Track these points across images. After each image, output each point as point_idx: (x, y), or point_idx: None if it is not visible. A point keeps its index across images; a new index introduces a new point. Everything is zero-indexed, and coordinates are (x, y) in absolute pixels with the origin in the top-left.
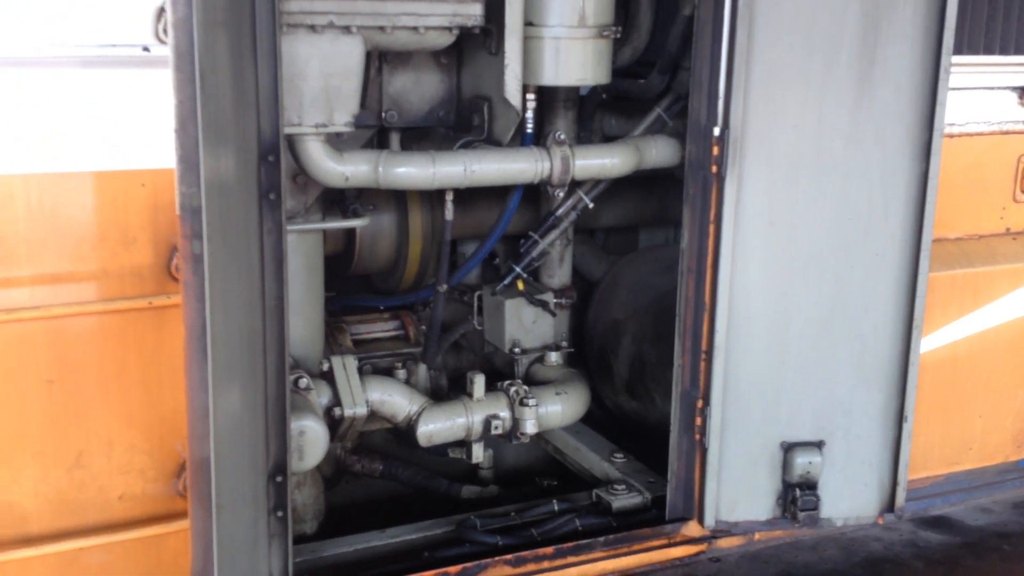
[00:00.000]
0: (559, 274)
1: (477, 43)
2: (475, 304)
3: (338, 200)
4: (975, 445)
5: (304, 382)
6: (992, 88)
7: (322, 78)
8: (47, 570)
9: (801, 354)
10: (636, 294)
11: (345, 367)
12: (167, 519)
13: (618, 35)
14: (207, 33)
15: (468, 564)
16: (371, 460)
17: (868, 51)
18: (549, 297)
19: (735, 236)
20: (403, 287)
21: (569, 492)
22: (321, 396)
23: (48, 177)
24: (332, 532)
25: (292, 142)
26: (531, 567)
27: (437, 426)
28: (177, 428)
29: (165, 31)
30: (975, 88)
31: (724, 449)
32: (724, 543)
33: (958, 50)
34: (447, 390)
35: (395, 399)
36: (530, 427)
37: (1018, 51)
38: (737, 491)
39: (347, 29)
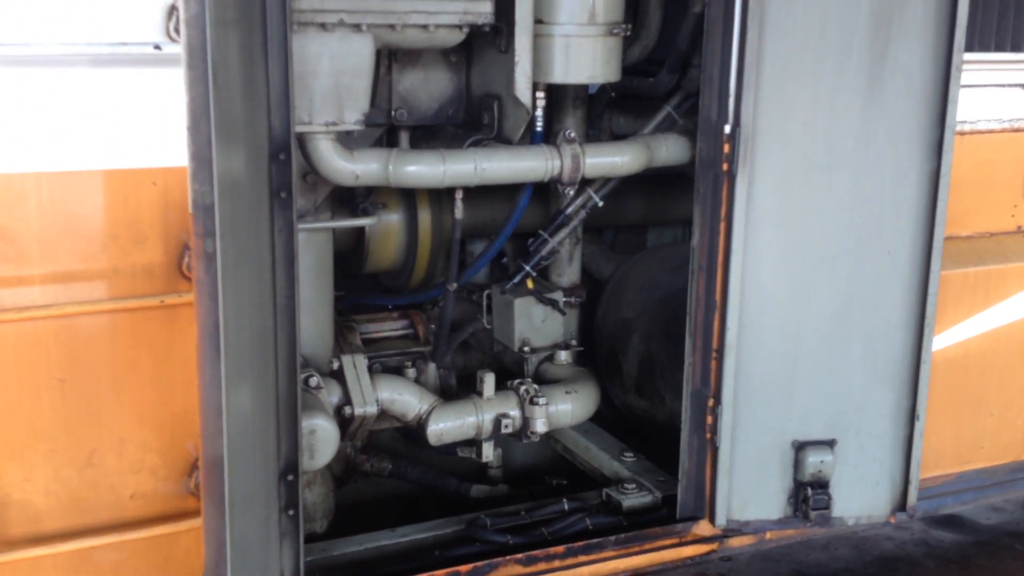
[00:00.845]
0: (568, 272)
1: (487, 41)
2: (484, 303)
3: (347, 199)
4: (987, 444)
5: (314, 381)
6: (1003, 85)
7: (332, 76)
8: (59, 569)
9: (813, 352)
10: (645, 293)
11: (355, 366)
12: (179, 518)
13: (628, 33)
14: (219, 31)
15: (479, 563)
16: (380, 459)
17: (879, 48)
18: (559, 296)
19: (746, 234)
20: (412, 286)
21: (578, 491)
22: (331, 395)
23: (59, 176)
24: (341, 531)
25: (302, 140)
26: (542, 566)
27: (447, 425)
28: (188, 427)
29: (176, 29)
30: (986, 85)
31: (735, 448)
32: (735, 542)
33: (969, 47)
34: (456, 389)
35: (405, 398)
36: (540, 426)
37: None
38: (748, 490)
39: (357, 27)
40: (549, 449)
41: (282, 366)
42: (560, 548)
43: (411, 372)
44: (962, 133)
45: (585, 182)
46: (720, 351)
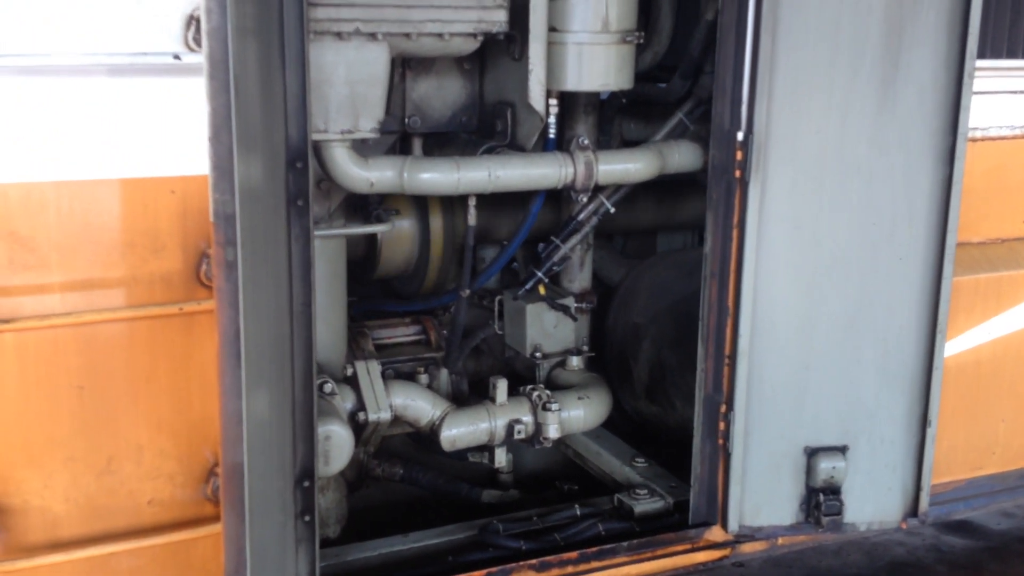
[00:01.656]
0: (580, 278)
1: (500, 49)
2: (496, 308)
3: (360, 205)
4: (998, 449)
5: (329, 387)
6: (1016, 92)
7: (348, 85)
8: (78, 574)
9: (825, 358)
10: (656, 298)
11: (369, 372)
12: (196, 524)
13: (640, 40)
14: (239, 40)
15: (492, 568)
16: (391, 464)
17: (892, 56)
18: (570, 301)
19: (759, 240)
20: (424, 291)
21: (589, 496)
22: (345, 401)
23: (79, 184)
24: (354, 536)
25: (318, 148)
26: (555, 572)
27: (460, 431)
28: (205, 433)
29: (194, 39)
30: (998, 92)
31: (748, 454)
32: (747, 548)
33: (981, 54)
34: (468, 394)
35: (418, 404)
36: (553, 432)
37: None
38: (761, 496)
39: (373, 36)
40: (560, 454)
41: (298, 373)
42: (574, 554)
43: (423, 378)
44: (974, 139)
45: (598, 188)
46: (732, 357)
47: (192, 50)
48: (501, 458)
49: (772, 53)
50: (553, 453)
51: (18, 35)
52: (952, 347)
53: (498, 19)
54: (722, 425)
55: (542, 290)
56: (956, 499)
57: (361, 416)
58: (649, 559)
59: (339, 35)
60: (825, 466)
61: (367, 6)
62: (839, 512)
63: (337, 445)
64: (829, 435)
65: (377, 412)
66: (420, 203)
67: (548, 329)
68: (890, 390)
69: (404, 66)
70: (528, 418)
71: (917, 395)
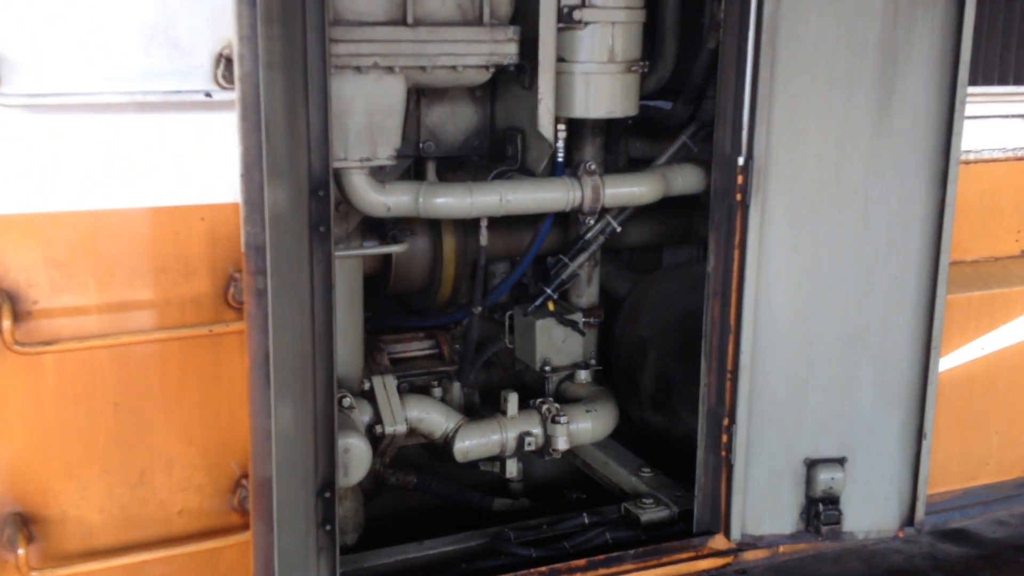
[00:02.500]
0: (587, 294)
1: (510, 77)
2: (507, 323)
3: (375, 225)
4: (992, 460)
5: (347, 401)
6: (1007, 116)
7: (367, 115)
8: None
9: (824, 374)
10: (661, 312)
11: (385, 386)
12: (223, 533)
13: (645, 69)
14: (268, 75)
15: (505, 575)
16: (405, 473)
17: (886, 84)
18: (578, 317)
19: (759, 261)
20: (436, 305)
21: (597, 505)
22: (363, 414)
23: (115, 212)
24: (370, 543)
25: (338, 175)
26: None
27: (473, 443)
28: (233, 447)
29: (224, 76)
30: (990, 116)
31: (749, 465)
32: (749, 556)
33: (973, 80)
34: (480, 406)
35: (433, 417)
36: (562, 444)
37: None
38: (762, 506)
39: (390, 69)
40: (568, 464)
41: (320, 389)
42: (582, 561)
43: (437, 391)
44: (967, 162)
45: (604, 210)
46: (735, 373)
47: (222, 87)
48: (512, 468)
49: (771, 82)
50: (562, 463)
51: (62, 75)
52: (947, 362)
53: (509, 51)
54: (724, 438)
55: (551, 306)
56: (952, 508)
57: (378, 429)
58: (655, 566)
59: (359, 69)
60: (824, 477)
61: (385, 41)
62: (838, 521)
63: (356, 457)
64: (828, 447)
65: (394, 425)
66: (433, 222)
67: (557, 343)
68: (887, 404)
69: (419, 94)
70: (538, 430)
71: (913, 409)
